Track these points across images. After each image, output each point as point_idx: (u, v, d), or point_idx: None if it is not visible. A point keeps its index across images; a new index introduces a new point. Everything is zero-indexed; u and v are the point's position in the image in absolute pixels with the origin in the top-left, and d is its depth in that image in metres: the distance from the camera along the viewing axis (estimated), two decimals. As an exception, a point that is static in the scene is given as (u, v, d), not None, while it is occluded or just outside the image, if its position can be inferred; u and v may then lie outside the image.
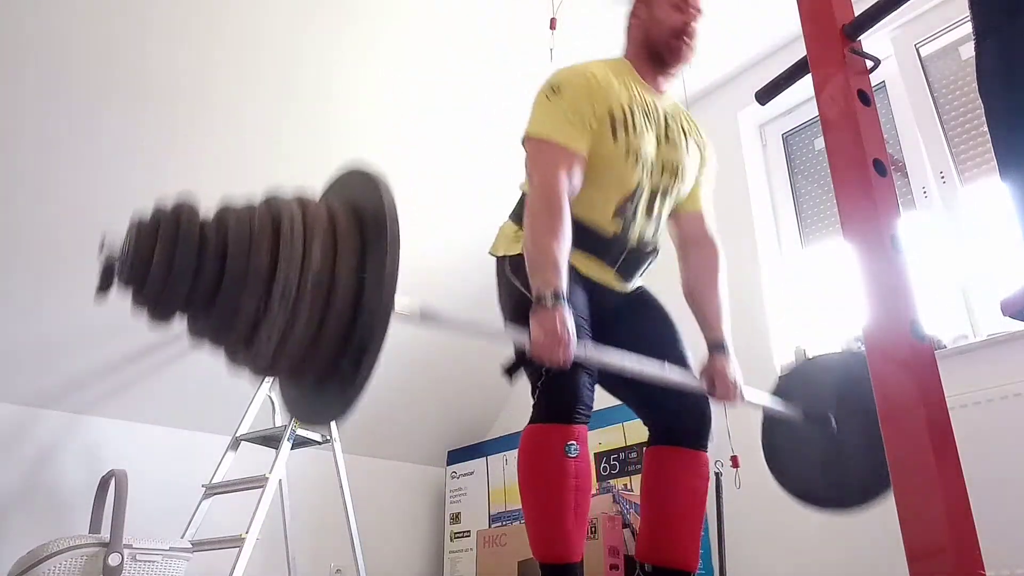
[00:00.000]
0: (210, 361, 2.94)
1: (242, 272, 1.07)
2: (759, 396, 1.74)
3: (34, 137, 2.35)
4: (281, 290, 1.05)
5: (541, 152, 1.58)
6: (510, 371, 1.54)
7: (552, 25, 2.73)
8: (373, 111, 2.84)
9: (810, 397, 1.79)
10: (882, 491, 1.56)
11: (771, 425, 1.91)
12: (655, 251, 1.78)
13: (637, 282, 1.81)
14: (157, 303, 1.10)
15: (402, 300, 1.15)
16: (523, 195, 1.74)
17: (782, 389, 1.89)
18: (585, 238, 1.62)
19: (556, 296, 1.41)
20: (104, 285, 1.11)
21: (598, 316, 1.67)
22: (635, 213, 1.69)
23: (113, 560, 1.98)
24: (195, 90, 2.51)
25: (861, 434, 1.65)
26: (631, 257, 1.72)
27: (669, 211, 1.79)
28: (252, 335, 1.09)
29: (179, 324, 1.16)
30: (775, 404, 1.77)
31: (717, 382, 1.65)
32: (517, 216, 1.75)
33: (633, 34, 1.80)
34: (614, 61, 1.76)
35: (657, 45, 1.74)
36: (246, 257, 1.07)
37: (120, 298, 1.12)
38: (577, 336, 1.42)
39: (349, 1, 2.60)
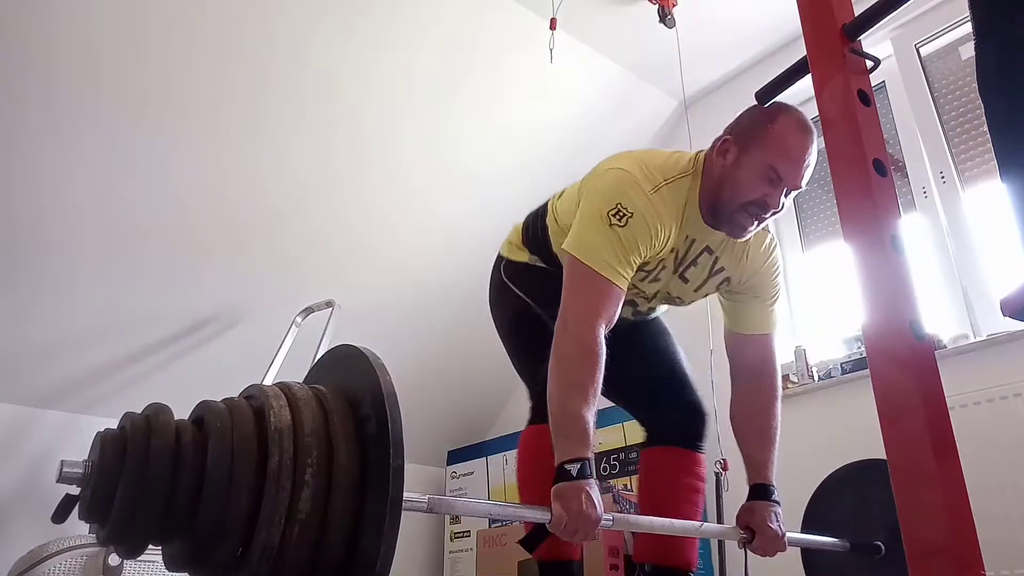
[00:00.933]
0: (210, 361, 2.96)
1: (218, 511, 0.92)
2: (802, 537, 1.63)
3: (34, 138, 2.35)
4: (263, 541, 0.91)
5: (588, 283, 1.39)
6: (530, 545, 1.37)
7: (552, 25, 2.73)
8: (381, 108, 2.84)
9: (845, 518, 1.67)
10: None
11: (813, 558, 1.77)
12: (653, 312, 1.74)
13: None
14: (124, 533, 0.95)
15: (408, 494, 0.98)
16: (542, 221, 1.66)
17: (814, 512, 1.77)
18: None
19: (582, 469, 1.26)
20: (60, 514, 0.99)
21: None
22: (643, 306, 1.67)
23: (113, 560, 1.98)
24: (205, 93, 2.51)
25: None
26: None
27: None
28: (237, 567, 0.95)
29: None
30: (821, 541, 1.64)
31: (759, 534, 1.52)
32: (529, 239, 1.70)
33: (712, 169, 1.48)
34: (684, 183, 1.48)
35: (720, 205, 1.45)
36: (227, 483, 0.93)
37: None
38: None
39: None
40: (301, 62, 2.63)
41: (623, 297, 1.42)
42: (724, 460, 2.08)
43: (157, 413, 1.02)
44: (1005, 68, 0.90)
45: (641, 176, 1.43)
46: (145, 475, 0.93)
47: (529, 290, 1.66)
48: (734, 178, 1.43)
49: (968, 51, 2.68)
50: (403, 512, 0.94)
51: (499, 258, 1.77)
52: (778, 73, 1.28)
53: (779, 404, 1.63)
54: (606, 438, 3.04)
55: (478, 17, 2.80)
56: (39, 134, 2.35)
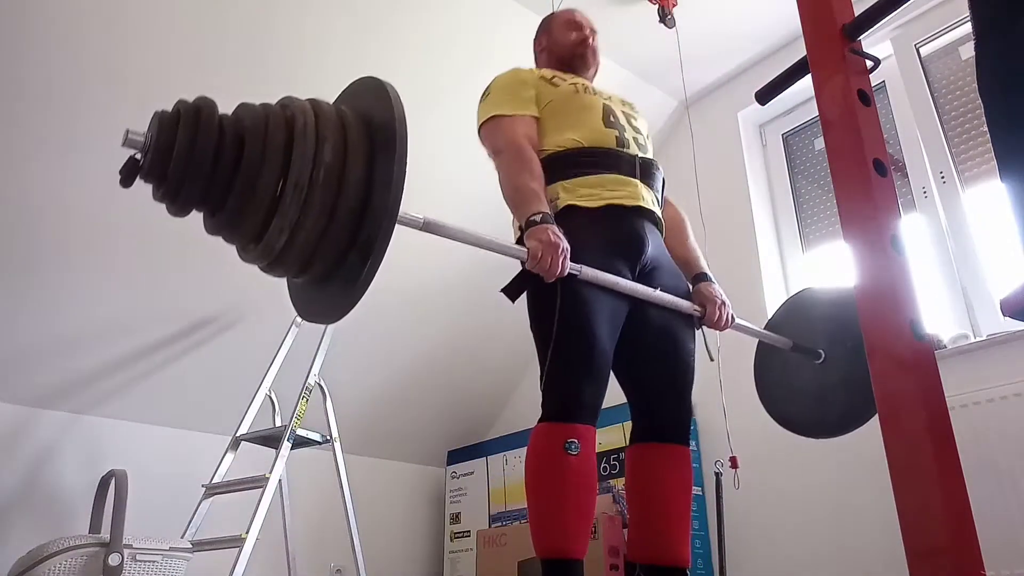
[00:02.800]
0: (210, 361, 2.96)
1: (257, 161, 1.11)
2: (749, 324, 1.83)
3: (35, 138, 2.35)
4: (295, 180, 1.10)
5: (494, 128, 1.77)
6: (511, 291, 1.60)
7: (552, 25, 2.73)
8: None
9: (800, 328, 1.88)
10: (862, 418, 1.65)
11: (763, 356, 2.00)
12: (658, 166, 1.86)
13: (659, 197, 1.85)
14: (178, 191, 1.12)
15: (404, 212, 1.20)
16: None
17: (775, 321, 1.97)
18: (594, 158, 1.73)
19: (544, 217, 1.53)
20: (128, 176, 1.14)
21: (638, 261, 1.71)
22: (619, 122, 1.81)
23: (113, 560, 1.98)
24: (203, 89, 2.50)
25: (846, 364, 1.72)
26: (644, 164, 1.79)
27: (644, 135, 1.90)
28: (264, 227, 1.13)
29: (197, 218, 1.20)
30: (763, 332, 1.86)
31: (708, 306, 1.76)
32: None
33: (540, 60, 2.07)
34: (525, 69, 1.93)
35: (564, 58, 1.98)
36: (262, 148, 1.12)
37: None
38: (610, 267, 1.56)
39: None
40: (301, 61, 2.63)
41: (531, 120, 1.77)
42: (734, 457, 2.09)
43: (206, 101, 1.17)
44: (1005, 68, 0.90)
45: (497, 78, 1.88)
46: (195, 143, 1.11)
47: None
48: (553, 42, 2.02)
49: (968, 51, 2.68)
50: (399, 227, 1.14)
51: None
52: (778, 73, 1.28)
53: (689, 224, 1.98)
54: (606, 438, 3.04)
55: (477, 17, 2.80)
56: (36, 134, 2.35)
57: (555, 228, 1.50)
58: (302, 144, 1.12)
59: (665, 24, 2.84)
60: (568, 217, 1.65)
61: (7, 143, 2.32)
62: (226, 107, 1.20)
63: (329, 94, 1.37)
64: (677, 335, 1.74)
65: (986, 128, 0.94)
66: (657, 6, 2.83)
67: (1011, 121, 0.89)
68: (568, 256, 1.49)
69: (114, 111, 2.40)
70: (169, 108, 1.16)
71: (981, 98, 0.94)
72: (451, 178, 3.07)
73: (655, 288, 1.68)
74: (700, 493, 2.77)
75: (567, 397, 1.53)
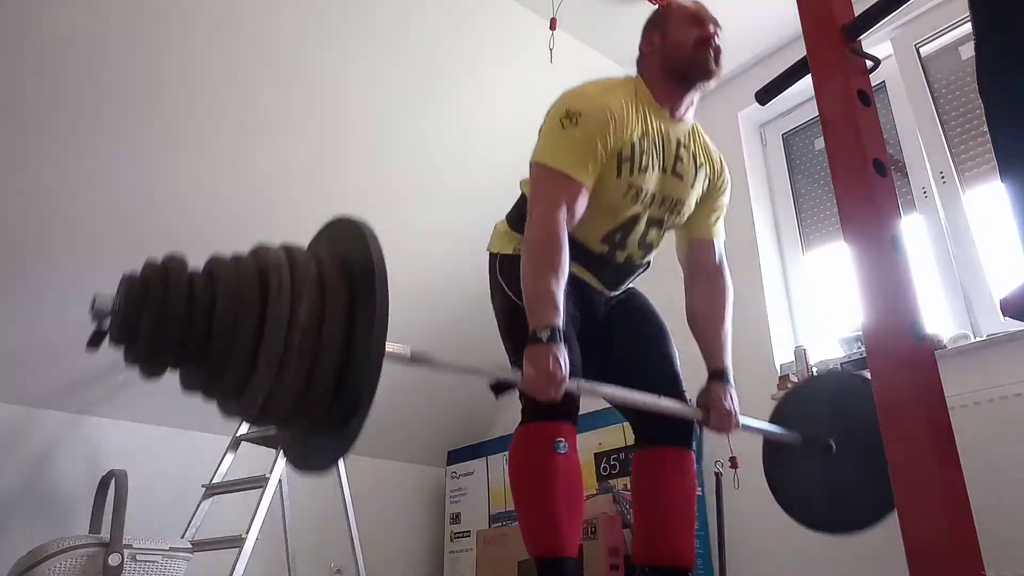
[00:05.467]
0: (210, 361, 2.96)
1: (229, 329, 1.07)
2: (755, 423, 1.73)
3: (36, 140, 2.35)
4: (268, 349, 1.05)
5: (548, 181, 1.55)
6: (497, 390, 1.56)
7: (552, 25, 2.73)
8: (380, 108, 2.84)
9: (808, 420, 1.79)
10: (883, 515, 1.57)
11: (772, 450, 1.90)
12: (645, 266, 1.81)
13: (624, 287, 1.83)
14: (149, 357, 1.10)
15: (393, 345, 1.15)
16: (522, 195, 1.75)
17: (781, 411, 1.89)
18: (573, 250, 1.59)
19: (552, 335, 1.41)
20: (94, 342, 1.13)
21: (589, 313, 1.70)
22: (625, 242, 1.70)
23: (113, 560, 1.98)
24: (206, 95, 2.51)
25: (861, 457, 1.65)
26: (618, 272, 1.75)
27: (663, 238, 1.79)
28: (242, 388, 1.09)
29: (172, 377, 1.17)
30: (771, 430, 1.77)
31: (713, 411, 1.64)
32: (512, 218, 1.77)
33: (649, 63, 1.71)
34: (628, 83, 1.69)
35: (682, 63, 1.64)
36: (234, 314, 1.07)
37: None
38: (566, 343, 1.44)
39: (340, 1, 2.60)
40: (302, 64, 2.63)
41: (585, 192, 1.55)
42: (733, 458, 2.09)
43: (172, 258, 1.16)
44: (1005, 68, 0.90)
45: (586, 86, 1.65)
46: (164, 310, 1.08)
47: (516, 287, 1.68)
48: (672, 41, 1.67)
49: (968, 51, 2.67)
50: (385, 362, 1.09)
51: (491, 257, 1.80)
52: (778, 73, 1.28)
53: (731, 303, 1.78)
54: (606, 438, 3.04)
55: (478, 17, 2.80)
56: (41, 136, 2.35)
57: (558, 351, 1.40)
58: (277, 304, 1.07)
59: (665, 24, 2.84)
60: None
61: (4, 145, 2.32)
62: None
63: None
64: (653, 338, 1.77)
65: (986, 128, 0.94)
66: (657, 6, 2.83)
67: (1011, 121, 0.89)
68: (567, 379, 1.41)
69: (112, 113, 2.40)
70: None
71: (981, 98, 0.94)
72: (445, 178, 3.08)
73: (625, 323, 1.70)
74: (700, 493, 2.77)
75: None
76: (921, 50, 2.76)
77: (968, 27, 2.44)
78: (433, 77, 2.86)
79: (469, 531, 3.46)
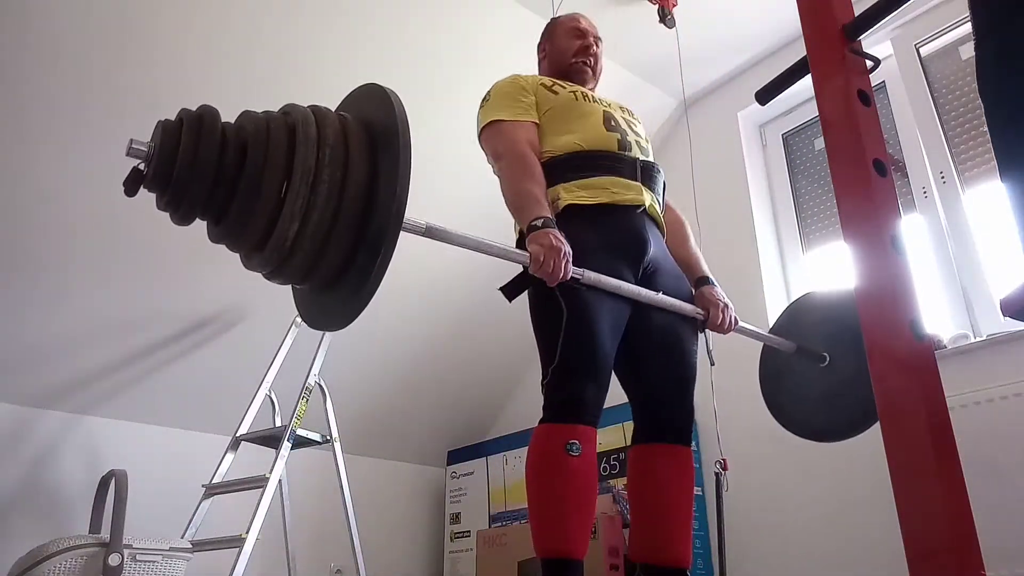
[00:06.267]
0: (210, 361, 2.96)
1: (261, 166, 1.12)
2: (753, 328, 1.83)
3: (38, 140, 2.35)
4: (299, 183, 1.10)
5: (494, 133, 1.77)
6: (509, 290, 1.60)
7: (552, 25, 2.73)
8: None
9: (804, 332, 1.87)
10: (868, 422, 1.65)
11: (767, 361, 2.00)
12: (660, 172, 1.86)
13: (661, 199, 1.86)
14: (182, 198, 1.13)
15: (410, 217, 1.19)
16: None
17: (778, 326, 1.98)
18: (596, 160, 1.74)
19: (546, 222, 1.53)
20: (132, 186, 1.13)
21: (641, 263, 1.72)
22: (621, 128, 1.82)
23: (113, 560, 1.98)
24: (203, 91, 2.51)
25: (851, 365, 1.72)
26: (645, 167, 1.80)
27: (644, 139, 1.90)
28: (268, 233, 1.13)
29: (201, 227, 1.21)
30: (768, 336, 1.86)
31: (711, 309, 1.75)
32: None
33: (544, 67, 2.05)
34: (526, 75, 1.93)
35: (564, 69, 1.97)
36: (264, 153, 1.12)
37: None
38: (605, 268, 1.55)
39: None
40: (300, 62, 2.63)
41: (533, 127, 1.77)
42: (723, 460, 2.09)
43: (208, 109, 1.17)
44: (1005, 68, 0.90)
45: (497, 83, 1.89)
46: (197, 151, 1.11)
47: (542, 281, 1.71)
48: (555, 50, 2.01)
49: (968, 51, 2.67)
50: (403, 232, 1.13)
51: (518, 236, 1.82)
52: (778, 73, 1.28)
53: (689, 228, 1.98)
54: (606, 438, 3.04)
55: (478, 17, 2.80)
56: (36, 135, 2.35)
57: (557, 232, 1.50)
58: (304, 148, 1.12)
59: (665, 24, 2.84)
60: (569, 218, 1.65)
61: (9, 144, 2.32)
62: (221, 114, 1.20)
63: (325, 96, 1.37)
64: (680, 335, 1.75)
65: (986, 128, 0.94)
66: (657, 6, 2.83)
67: (1011, 121, 0.89)
68: (570, 260, 1.49)
69: (117, 112, 2.40)
70: (169, 115, 1.17)
71: (981, 98, 0.94)
72: (447, 181, 3.08)
73: (658, 291, 1.68)
74: (700, 493, 2.77)
75: (570, 399, 1.53)
76: (921, 50, 2.76)
77: (968, 27, 2.44)
78: (432, 78, 2.86)
79: (469, 531, 3.46)
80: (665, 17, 2.83)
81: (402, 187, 1.10)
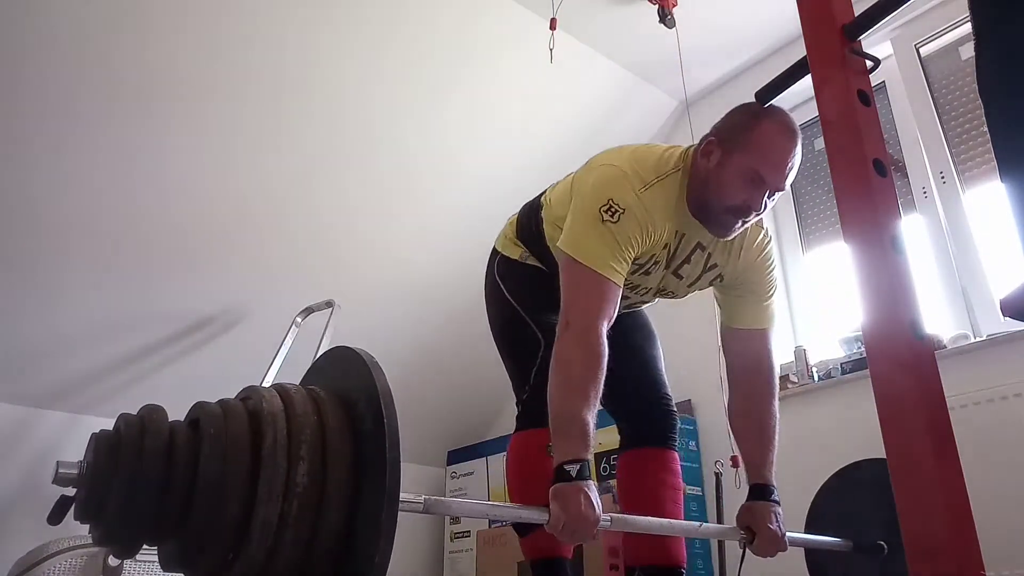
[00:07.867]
0: (210, 361, 2.96)
1: (216, 494, 0.92)
2: (803, 537, 1.62)
3: (41, 140, 2.35)
4: (262, 518, 0.90)
5: (586, 283, 1.40)
6: (521, 528, 1.53)
7: (552, 25, 2.72)
8: (380, 108, 2.84)
9: (849, 518, 1.67)
10: None
11: (815, 558, 1.77)
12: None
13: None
14: (119, 533, 0.95)
15: (405, 495, 0.98)
16: (536, 205, 1.70)
17: (816, 512, 1.80)
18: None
19: (581, 470, 1.25)
20: (56, 516, 0.97)
21: None
22: (647, 296, 1.69)
23: (113, 560, 1.98)
24: (202, 93, 2.50)
25: None
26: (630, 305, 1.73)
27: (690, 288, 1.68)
28: (229, 565, 0.94)
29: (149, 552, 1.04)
30: (821, 541, 1.65)
31: (759, 534, 1.51)
32: (522, 225, 1.73)
33: (698, 169, 1.49)
34: (675, 180, 1.49)
35: (705, 206, 1.47)
36: (221, 476, 0.92)
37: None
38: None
39: None
40: (303, 63, 2.62)
41: (620, 293, 1.43)
42: (734, 457, 2.09)
43: (151, 413, 1.01)
44: (1005, 69, 0.90)
45: (632, 173, 1.44)
46: (138, 475, 0.92)
47: (519, 295, 1.68)
48: (718, 181, 1.44)
49: (968, 51, 2.67)
50: (400, 512, 0.93)
51: (493, 252, 1.78)
52: (778, 73, 1.28)
53: (776, 402, 1.60)
54: (606, 438, 3.02)
55: (478, 17, 2.80)
56: (35, 135, 2.35)
57: (589, 490, 1.24)
58: (270, 468, 0.92)
59: (665, 24, 2.84)
60: (524, 268, 1.64)
61: (7, 143, 2.32)
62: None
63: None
64: (638, 331, 1.76)
65: (986, 128, 0.94)
66: (657, 6, 2.83)
67: (1011, 121, 0.89)
68: (599, 522, 1.24)
69: (115, 111, 2.40)
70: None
71: (981, 98, 0.94)
72: (445, 184, 3.08)
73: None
74: (700, 493, 2.77)
75: (543, 404, 1.50)
76: (921, 50, 2.76)
77: (968, 27, 2.44)
78: (432, 78, 2.85)
79: (469, 531, 3.46)
80: (665, 17, 2.83)
81: (390, 509, 0.88)
